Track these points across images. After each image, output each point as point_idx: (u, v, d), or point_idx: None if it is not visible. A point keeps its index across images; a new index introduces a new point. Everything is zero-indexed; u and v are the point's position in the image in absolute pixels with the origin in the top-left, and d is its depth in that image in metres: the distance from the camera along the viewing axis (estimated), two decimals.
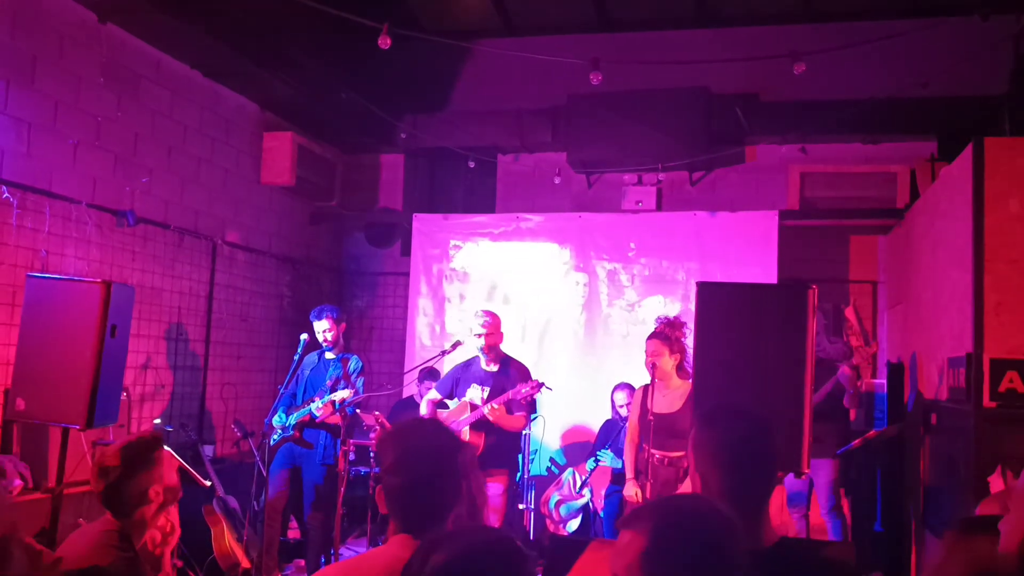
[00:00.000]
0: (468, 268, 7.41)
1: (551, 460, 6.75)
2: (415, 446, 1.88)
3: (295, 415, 5.32)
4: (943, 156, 6.22)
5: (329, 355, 5.47)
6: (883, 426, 6.04)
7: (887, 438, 5.73)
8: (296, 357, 5.35)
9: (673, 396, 4.40)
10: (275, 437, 5.37)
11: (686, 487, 4.32)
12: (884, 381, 6.28)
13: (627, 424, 4.73)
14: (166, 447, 2.66)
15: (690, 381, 4.48)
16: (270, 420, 5.36)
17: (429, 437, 1.92)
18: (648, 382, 4.63)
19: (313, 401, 5.25)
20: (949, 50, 6.19)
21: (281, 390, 5.39)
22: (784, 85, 6.36)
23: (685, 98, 6.71)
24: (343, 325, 5.50)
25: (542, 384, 4.82)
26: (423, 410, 5.15)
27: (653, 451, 4.31)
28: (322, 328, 5.40)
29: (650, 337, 4.54)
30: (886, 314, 6.92)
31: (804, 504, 5.55)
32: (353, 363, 5.43)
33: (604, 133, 6.84)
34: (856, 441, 5.25)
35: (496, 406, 4.64)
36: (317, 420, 5.26)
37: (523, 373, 4.97)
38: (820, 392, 5.26)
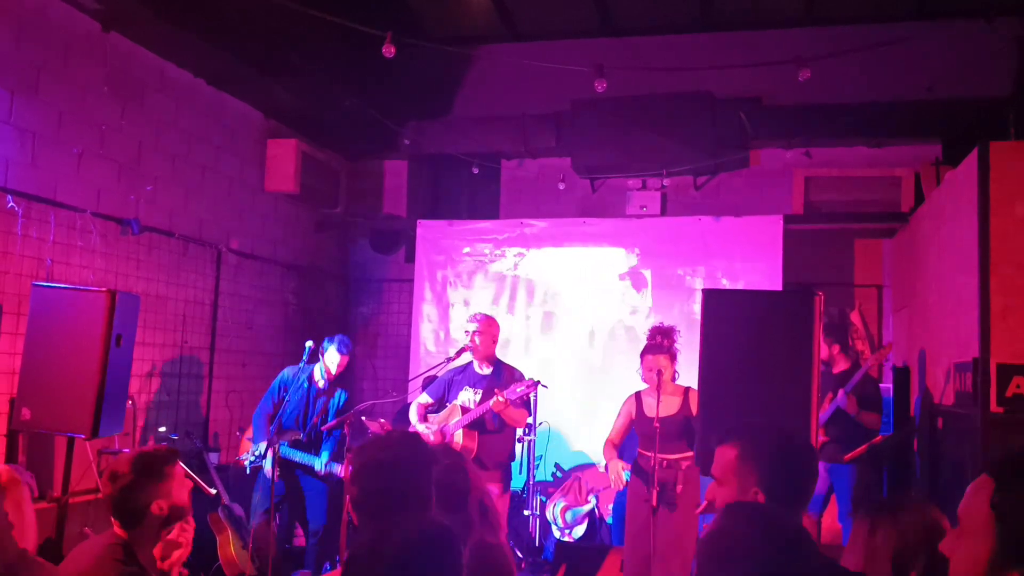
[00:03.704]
0: (472, 274, 7.40)
1: (556, 466, 6.73)
2: (372, 458, 1.90)
3: (292, 451, 5.17)
4: (948, 160, 6.20)
5: (320, 382, 5.29)
6: (889, 431, 6.00)
7: (893, 443, 5.70)
8: (301, 365, 5.32)
9: (669, 401, 4.40)
10: (251, 459, 5.23)
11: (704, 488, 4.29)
12: (890, 385, 6.25)
13: (612, 427, 4.70)
14: (182, 465, 2.64)
15: (680, 384, 4.49)
16: (258, 438, 5.19)
17: (388, 449, 1.93)
18: (638, 389, 4.63)
19: (314, 450, 5.21)
20: (954, 53, 6.17)
21: (265, 407, 5.25)
22: (788, 89, 6.34)
23: (689, 103, 6.71)
24: (347, 358, 5.32)
25: (538, 383, 4.76)
26: (412, 414, 5.09)
27: (658, 456, 4.30)
28: (336, 362, 5.21)
29: (651, 352, 4.51)
30: (891, 318, 6.89)
31: (818, 508, 5.51)
32: (339, 398, 5.28)
33: (608, 138, 6.83)
34: (862, 446, 5.21)
35: (502, 398, 4.59)
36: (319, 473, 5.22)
37: (516, 376, 4.94)
38: (835, 402, 5.22)
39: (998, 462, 1.46)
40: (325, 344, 5.28)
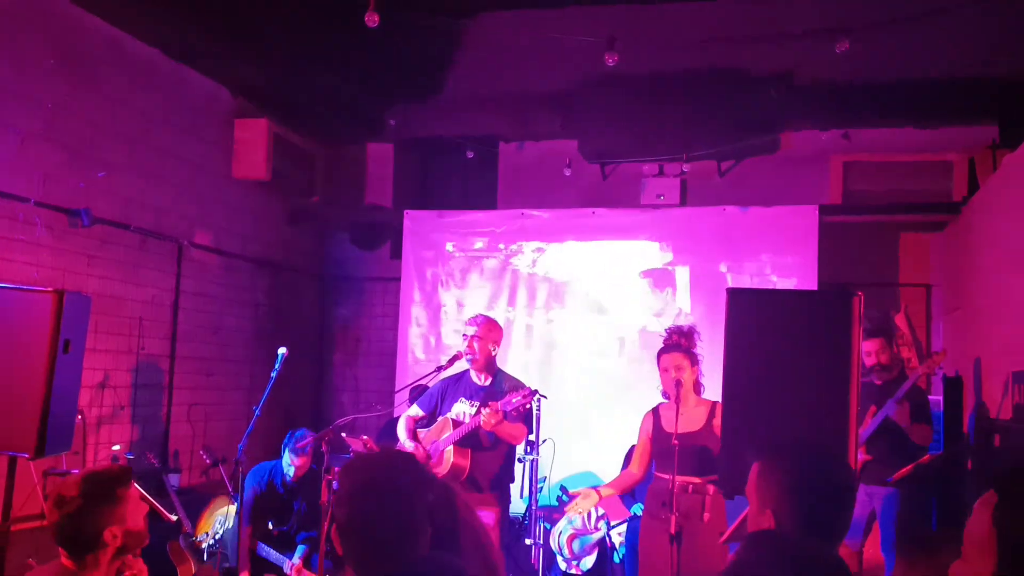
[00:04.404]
0: (466, 272, 7.41)
1: (562, 489, 6.72)
2: (364, 477, 1.90)
3: (261, 544, 5.26)
4: (1005, 143, 6.20)
5: (288, 475, 5.34)
6: (939, 449, 6.01)
7: (943, 463, 5.70)
8: (273, 375, 5.31)
9: (692, 415, 4.35)
10: (210, 543, 5.27)
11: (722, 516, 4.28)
12: (940, 398, 6.25)
13: (633, 451, 4.66)
14: (136, 486, 2.65)
15: (707, 399, 4.46)
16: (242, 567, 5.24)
17: (383, 468, 1.92)
18: (656, 405, 4.58)
19: (285, 547, 5.29)
20: (1011, 24, 6.16)
21: (244, 529, 5.20)
22: (824, 64, 6.32)
23: (712, 79, 6.70)
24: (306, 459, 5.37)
25: (535, 392, 4.70)
26: (400, 428, 5.07)
27: (677, 478, 4.27)
28: (293, 464, 5.28)
29: (668, 350, 4.46)
30: (941, 321, 6.90)
31: (859, 537, 5.50)
32: (301, 507, 5.35)
33: (620, 119, 6.85)
34: (908, 467, 5.21)
35: (494, 412, 4.54)
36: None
37: (516, 385, 4.91)
38: (880, 415, 5.22)
39: (1001, 475, 1.47)
40: (284, 442, 5.32)
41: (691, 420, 4.30)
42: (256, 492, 5.33)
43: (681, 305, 6.91)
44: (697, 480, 4.27)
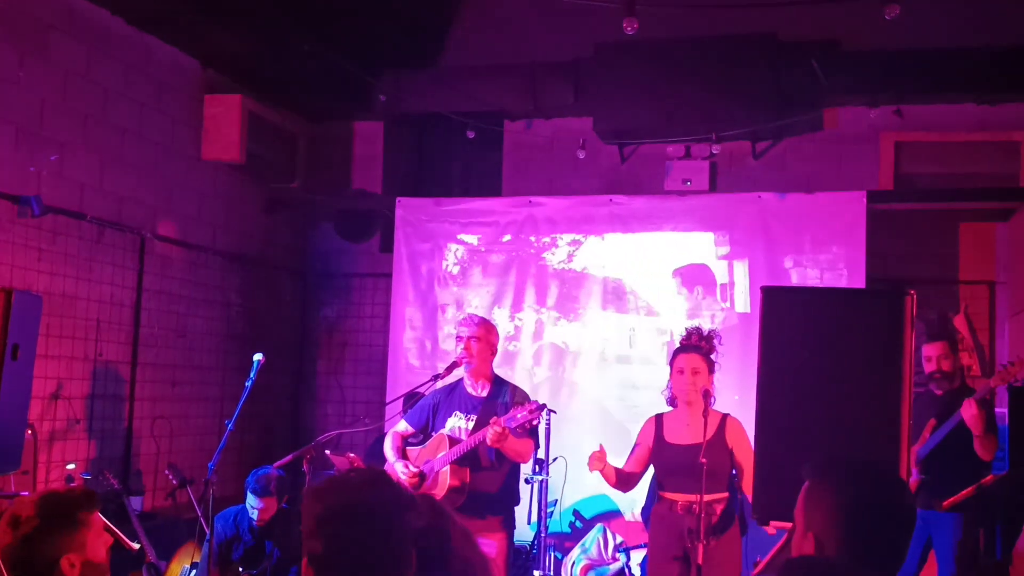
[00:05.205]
0: (467, 268, 7.41)
1: (575, 513, 6.75)
2: (345, 501, 1.89)
3: None
4: None
5: (254, 516, 5.37)
6: (1004, 467, 6.00)
7: (1010, 484, 5.69)
8: (248, 384, 5.33)
9: (700, 426, 4.35)
10: None
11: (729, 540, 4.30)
12: (1005, 410, 6.24)
13: (630, 456, 4.68)
14: (100, 514, 2.66)
15: (720, 411, 4.48)
16: None
17: (361, 490, 1.92)
18: (660, 413, 4.63)
19: None
20: None
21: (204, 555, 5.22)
22: (873, 30, 6.33)
23: (746, 48, 6.71)
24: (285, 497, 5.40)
25: (543, 406, 4.66)
26: (387, 447, 5.08)
27: (681, 497, 4.30)
28: (257, 507, 5.27)
29: (687, 351, 4.50)
30: (1007, 323, 6.89)
31: (913, 568, 5.50)
32: (273, 553, 5.38)
33: (641, 93, 6.84)
34: (968, 489, 5.20)
35: (499, 428, 4.52)
36: None
37: (520, 397, 4.90)
38: (942, 429, 5.22)
39: None
40: (247, 482, 5.35)
41: (698, 431, 4.31)
42: (222, 539, 5.35)
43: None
44: (704, 498, 4.29)
